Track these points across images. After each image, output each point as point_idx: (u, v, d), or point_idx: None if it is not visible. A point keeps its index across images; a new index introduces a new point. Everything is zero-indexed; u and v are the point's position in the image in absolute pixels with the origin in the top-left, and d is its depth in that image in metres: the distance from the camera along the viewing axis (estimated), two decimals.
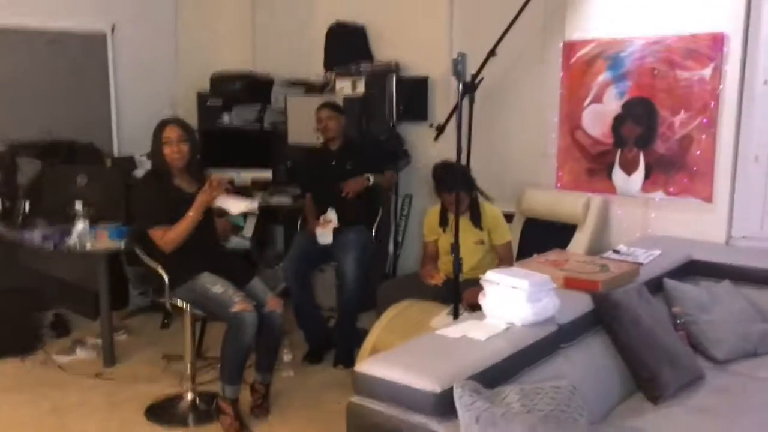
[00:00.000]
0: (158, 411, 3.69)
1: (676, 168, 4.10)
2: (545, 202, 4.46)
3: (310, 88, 5.50)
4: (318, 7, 5.70)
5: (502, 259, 3.85)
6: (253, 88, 5.73)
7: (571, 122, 4.45)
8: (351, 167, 4.43)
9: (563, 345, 2.63)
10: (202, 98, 5.97)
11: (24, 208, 4.51)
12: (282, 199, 5.21)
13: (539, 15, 4.49)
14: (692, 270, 3.59)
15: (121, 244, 4.09)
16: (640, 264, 3.35)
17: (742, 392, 2.83)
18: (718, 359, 3.08)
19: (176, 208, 3.38)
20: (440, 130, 4.61)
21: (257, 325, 3.34)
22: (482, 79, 4.17)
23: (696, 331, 3.14)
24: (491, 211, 3.90)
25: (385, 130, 5.04)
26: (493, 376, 2.23)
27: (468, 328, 2.48)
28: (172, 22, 6.11)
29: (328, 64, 5.40)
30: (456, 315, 3.32)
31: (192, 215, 3.36)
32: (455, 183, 3.51)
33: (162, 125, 3.47)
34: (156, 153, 3.47)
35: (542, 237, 4.31)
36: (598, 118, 4.34)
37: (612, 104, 4.28)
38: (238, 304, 3.31)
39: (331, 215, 4.37)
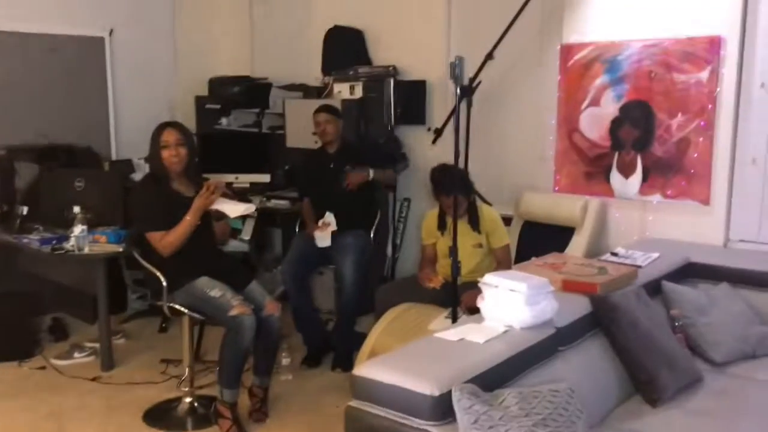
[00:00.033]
0: (156, 415, 3.68)
1: (673, 171, 4.10)
2: (543, 205, 4.46)
3: (308, 92, 5.50)
4: (316, 11, 5.71)
5: (500, 262, 3.85)
6: (251, 92, 5.74)
7: (568, 125, 4.46)
8: (349, 170, 4.43)
9: (561, 348, 2.63)
10: (200, 102, 5.98)
11: (22, 213, 4.51)
12: (280, 203, 5.21)
13: (536, 18, 4.50)
14: (690, 272, 3.59)
15: (119, 248, 4.10)
16: (638, 267, 3.35)
17: (740, 395, 2.83)
18: (717, 362, 3.08)
19: (174, 212, 3.37)
20: (438, 133, 4.62)
21: (255, 328, 3.34)
22: (480, 82, 4.18)
23: (694, 333, 3.14)
24: (489, 214, 3.91)
25: (383, 133, 5.05)
26: (492, 379, 2.23)
27: (466, 331, 2.48)
28: (169, 26, 6.12)
29: (326, 68, 5.41)
30: (454, 318, 3.31)
31: (190, 219, 3.36)
32: (453, 186, 3.52)
33: (160, 129, 3.47)
34: (154, 157, 3.47)
35: (540, 240, 4.30)
36: (596, 121, 4.35)
37: (609, 107, 4.29)
38: (237, 307, 3.31)
39: (330, 218, 4.37)
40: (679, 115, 4.05)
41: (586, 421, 2.27)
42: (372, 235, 4.57)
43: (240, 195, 4.33)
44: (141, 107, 5.76)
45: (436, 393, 2.06)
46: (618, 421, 2.61)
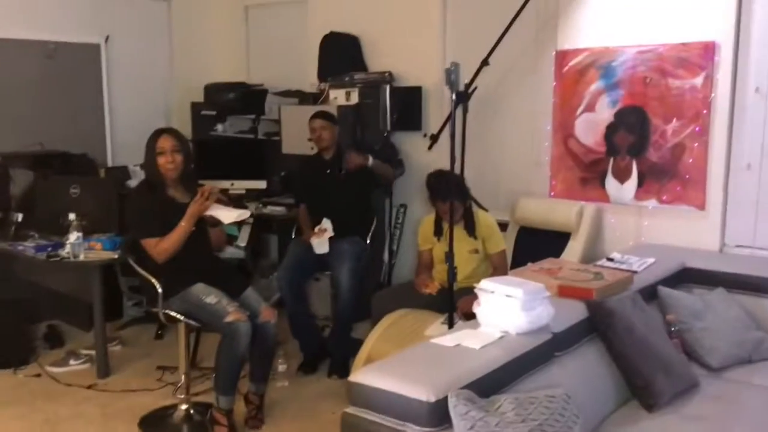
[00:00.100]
0: (152, 422, 3.67)
1: (668, 176, 4.11)
2: (539, 211, 4.46)
3: (304, 98, 5.51)
4: (312, 17, 5.72)
5: (497, 267, 3.85)
6: (247, 99, 5.74)
7: (564, 131, 4.47)
8: (345, 176, 4.43)
9: (558, 353, 2.63)
10: (196, 108, 5.98)
11: (17, 220, 4.50)
12: (276, 209, 5.20)
13: (532, 25, 4.52)
14: (686, 278, 3.60)
15: (114, 255, 4.09)
16: (634, 272, 3.35)
17: (736, 400, 2.83)
18: (713, 367, 3.09)
19: (170, 219, 3.37)
20: (434, 139, 4.61)
21: (251, 335, 3.34)
22: (476, 88, 4.17)
23: (690, 338, 3.15)
24: (485, 219, 3.91)
25: (379, 139, 5.05)
26: (488, 385, 2.23)
27: (462, 337, 2.48)
28: (165, 33, 6.13)
29: (322, 75, 5.42)
30: (451, 324, 3.31)
31: (184, 225, 3.35)
32: (449, 192, 3.52)
33: (156, 135, 3.47)
34: (150, 163, 3.46)
35: (536, 245, 4.31)
36: (591, 126, 4.36)
37: (604, 113, 4.30)
38: (232, 314, 3.31)
39: (326, 224, 4.37)
40: (674, 120, 4.06)
41: (583, 426, 2.27)
42: (368, 241, 4.56)
43: (236, 201, 4.34)
44: (137, 114, 5.77)
45: (433, 399, 2.06)
46: (614, 426, 2.60)
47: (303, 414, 3.77)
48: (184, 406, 3.67)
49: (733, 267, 3.60)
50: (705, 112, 3.96)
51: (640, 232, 4.27)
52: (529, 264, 3.39)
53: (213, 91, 5.85)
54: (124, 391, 4.03)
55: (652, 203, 4.19)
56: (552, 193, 4.56)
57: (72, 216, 4.10)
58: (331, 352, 4.34)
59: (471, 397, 2.09)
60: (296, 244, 4.53)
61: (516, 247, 4.46)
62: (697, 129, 4.00)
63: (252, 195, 5.44)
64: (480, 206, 4.22)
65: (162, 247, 3.36)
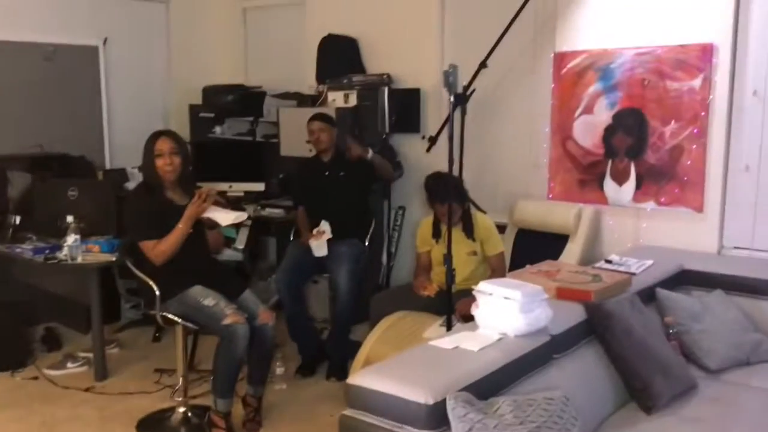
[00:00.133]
0: (150, 425, 3.66)
1: (667, 178, 4.12)
2: (537, 213, 4.46)
3: (302, 100, 5.51)
4: (310, 19, 5.72)
5: (495, 269, 3.85)
6: (245, 101, 5.74)
7: (562, 133, 4.47)
8: (343, 178, 4.43)
9: (556, 355, 2.63)
10: (194, 110, 5.98)
11: (15, 222, 4.49)
12: (274, 211, 5.20)
13: (530, 27, 4.52)
14: (684, 280, 3.60)
15: (112, 258, 4.08)
16: (632, 274, 3.35)
17: (735, 402, 2.83)
18: (711, 369, 3.08)
19: (167, 221, 3.36)
20: (432, 141, 4.63)
21: (249, 337, 3.33)
22: (474, 90, 4.19)
23: (688, 340, 3.15)
24: (484, 222, 3.91)
25: (377, 141, 5.05)
26: (486, 387, 2.23)
27: (461, 339, 2.47)
28: (163, 35, 6.12)
29: (321, 77, 5.42)
30: (449, 326, 3.31)
31: (181, 227, 3.35)
32: (448, 194, 3.52)
33: (154, 137, 3.46)
34: (148, 165, 3.46)
35: (534, 247, 4.31)
36: (589, 128, 4.36)
37: (603, 115, 4.30)
38: (230, 316, 3.30)
39: (325, 227, 4.36)
40: (672, 122, 4.06)
41: (581, 428, 2.26)
42: (367, 244, 4.56)
43: (234, 204, 4.33)
44: (135, 116, 5.77)
45: (431, 401, 2.05)
46: (613, 428, 2.60)
47: (301, 416, 3.77)
48: (181, 409, 3.66)
49: (731, 269, 3.60)
50: (703, 114, 3.96)
51: (638, 234, 4.27)
52: (528, 266, 3.39)
53: (211, 93, 5.85)
54: (122, 394, 4.02)
55: (650, 205, 4.19)
56: (550, 195, 4.56)
57: (70, 218, 4.09)
58: (330, 355, 4.33)
59: (469, 400, 2.09)
60: (295, 246, 4.52)
61: (514, 249, 4.46)
62: (695, 131, 4.00)
63: (250, 197, 5.44)
64: (478, 208, 4.22)
65: (159, 249, 3.36)
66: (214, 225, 3.52)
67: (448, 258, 3.34)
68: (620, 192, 4.29)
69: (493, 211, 4.42)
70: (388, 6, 5.26)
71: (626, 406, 2.76)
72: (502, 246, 3.96)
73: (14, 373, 4.30)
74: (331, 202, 4.42)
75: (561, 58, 4.43)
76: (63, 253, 4.03)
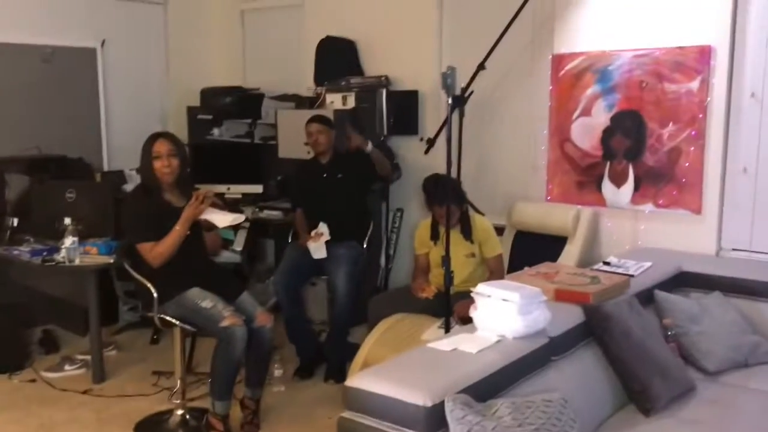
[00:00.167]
0: (148, 427, 3.66)
1: (665, 180, 4.12)
2: (535, 215, 4.46)
3: (300, 102, 5.50)
4: (308, 21, 5.72)
5: (493, 271, 3.85)
6: (243, 103, 5.73)
7: (560, 135, 4.47)
8: (342, 179, 4.43)
9: (554, 357, 2.63)
10: (192, 112, 5.97)
11: (12, 224, 4.49)
12: (273, 213, 5.20)
13: (528, 28, 4.52)
14: (683, 281, 3.60)
15: (110, 260, 4.07)
16: (631, 276, 3.35)
17: (733, 403, 2.83)
18: (709, 371, 3.08)
19: (165, 223, 3.36)
20: (431, 143, 4.63)
21: (247, 339, 3.32)
22: (472, 92, 4.19)
23: (687, 342, 3.14)
24: (482, 223, 3.91)
25: (375, 143, 5.04)
26: (485, 389, 2.22)
27: (459, 341, 2.47)
28: (161, 37, 6.12)
29: (319, 79, 5.42)
30: (447, 328, 3.31)
31: (179, 229, 3.34)
32: (446, 196, 3.51)
33: (152, 139, 3.46)
34: (146, 167, 3.45)
35: (533, 249, 4.31)
36: (587, 130, 4.36)
37: (601, 117, 4.30)
38: (228, 318, 3.30)
39: (323, 228, 4.36)
40: (670, 124, 4.06)
41: (580, 430, 2.26)
42: (365, 246, 4.56)
43: (232, 206, 4.32)
44: (133, 118, 5.76)
45: (429, 404, 2.05)
46: (611, 430, 2.60)
47: (299, 419, 3.76)
48: (179, 412, 3.66)
49: (729, 271, 3.60)
50: (701, 116, 3.96)
51: (636, 236, 4.27)
52: (526, 268, 3.39)
53: (209, 95, 5.85)
54: (120, 396, 4.02)
55: (648, 207, 4.19)
56: (549, 197, 4.56)
57: (67, 220, 4.08)
58: (328, 357, 4.33)
59: (468, 402, 2.08)
60: (293, 248, 4.52)
61: (513, 251, 4.46)
62: (693, 133, 4.00)
63: (248, 199, 5.43)
64: (477, 210, 4.22)
65: (157, 251, 3.35)
66: (211, 227, 3.52)
67: (446, 260, 3.34)
68: (618, 194, 4.29)
69: (492, 212, 4.42)
70: (387, 8, 5.26)
71: (625, 408, 2.75)
72: (501, 248, 3.96)
73: (12, 376, 4.29)
74: (329, 204, 4.42)
75: (559, 60, 4.43)
76: (61, 255, 4.03)
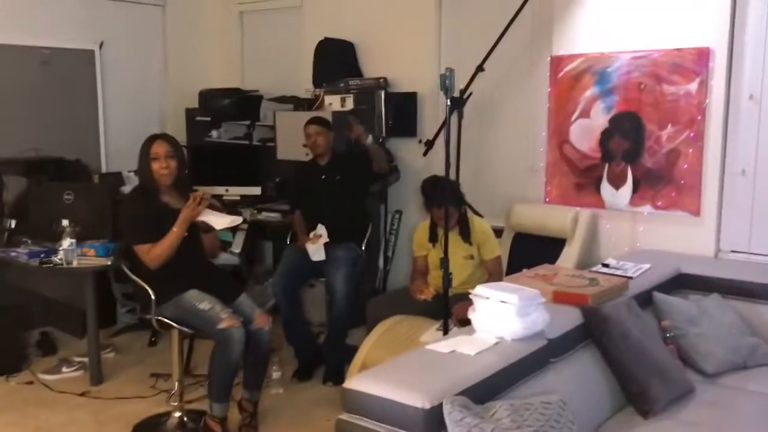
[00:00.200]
0: (146, 430, 3.65)
1: (663, 182, 4.11)
2: (534, 217, 4.46)
3: (298, 104, 5.50)
4: (307, 23, 5.72)
5: (492, 273, 3.84)
6: (241, 105, 5.73)
7: (559, 137, 4.47)
8: (340, 181, 4.43)
9: (553, 359, 2.62)
10: (190, 114, 5.97)
11: (10, 226, 4.48)
12: (271, 215, 5.19)
13: (527, 30, 4.53)
14: (681, 283, 3.60)
15: (107, 262, 4.07)
16: (629, 278, 3.35)
17: (732, 405, 2.83)
18: (708, 372, 3.08)
19: (163, 225, 3.35)
20: (429, 145, 4.62)
21: (245, 341, 3.32)
22: (470, 94, 4.19)
23: (685, 344, 3.14)
24: (480, 225, 3.91)
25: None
26: (483, 392, 2.22)
27: (457, 343, 2.47)
28: (160, 39, 6.12)
29: (317, 81, 5.42)
30: (446, 330, 3.30)
31: (176, 231, 3.34)
32: (444, 198, 3.51)
33: (150, 141, 3.46)
34: (143, 169, 3.45)
35: (531, 251, 4.31)
36: (586, 132, 4.36)
37: (599, 119, 4.30)
38: (226, 320, 3.29)
39: (321, 230, 4.35)
40: (669, 126, 4.06)
41: None
42: (363, 248, 4.55)
43: (230, 207, 4.32)
44: (131, 120, 5.76)
45: (427, 406, 2.04)
46: None
47: (297, 421, 3.75)
48: (177, 414, 3.65)
49: (728, 273, 3.59)
50: (699, 118, 3.96)
51: (635, 237, 4.27)
52: (525, 270, 3.39)
53: (208, 97, 5.84)
54: (118, 399, 4.01)
55: (647, 209, 4.19)
56: (547, 199, 4.56)
57: (65, 222, 4.08)
58: (326, 359, 4.32)
59: (466, 404, 2.08)
60: (291, 250, 4.51)
61: (511, 253, 4.46)
62: (691, 135, 4.00)
63: (247, 201, 5.42)
64: (475, 212, 4.21)
65: (154, 253, 3.35)
66: (209, 229, 3.51)
67: (444, 262, 3.34)
68: (617, 196, 4.29)
69: (490, 214, 4.41)
70: (385, 10, 5.26)
71: (623, 410, 2.75)
72: (499, 250, 3.96)
73: (9, 378, 4.28)
74: (327, 205, 4.41)
75: (558, 62, 4.43)
76: (58, 257, 4.02)
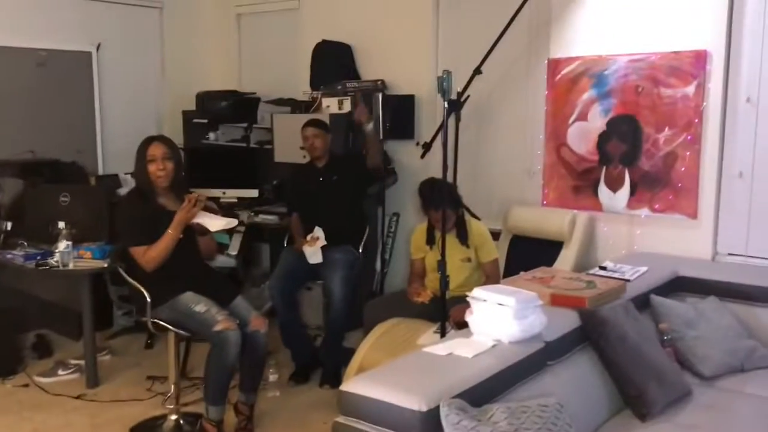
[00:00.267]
0: None
1: (661, 185, 4.11)
2: (531, 220, 4.46)
3: (296, 106, 5.50)
4: (304, 25, 5.72)
5: (489, 276, 3.84)
6: (239, 107, 5.72)
7: (556, 139, 4.47)
8: (338, 184, 4.42)
9: (550, 362, 2.62)
10: (187, 116, 5.97)
11: (6, 228, 4.46)
12: (268, 218, 5.18)
13: (524, 33, 4.53)
14: (678, 286, 3.60)
15: (104, 264, 4.06)
16: (627, 280, 3.35)
17: (729, 408, 2.82)
18: (705, 375, 3.08)
19: (159, 227, 3.34)
20: (427, 147, 4.62)
21: (240, 344, 3.31)
22: (468, 96, 4.19)
23: (683, 347, 3.14)
24: (478, 228, 3.90)
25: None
26: (480, 394, 2.21)
27: (455, 346, 2.46)
28: (157, 41, 6.12)
29: (315, 83, 5.41)
30: (443, 333, 3.30)
31: (171, 233, 3.33)
32: (442, 200, 3.51)
33: (147, 143, 3.45)
34: (140, 171, 3.44)
35: (529, 254, 4.30)
36: (584, 135, 4.36)
37: (597, 121, 4.30)
38: (221, 322, 3.28)
39: (319, 233, 4.35)
40: (666, 129, 4.06)
41: None
42: (361, 250, 4.54)
43: (227, 210, 4.31)
44: (128, 122, 5.75)
45: (424, 408, 2.04)
46: None
47: (294, 424, 3.74)
48: (173, 417, 3.64)
49: (725, 275, 3.59)
50: (697, 120, 3.96)
51: (632, 240, 4.26)
52: (522, 272, 3.38)
53: (205, 99, 5.83)
54: (114, 401, 3.99)
55: (644, 212, 4.19)
56: (544, 202, 4.55)
57: (61, 224, 4.07)
58: (323, 362, 4.31)
59: (463, 407, 2.07)
60: (288, 252, 4.51)
61: (508, 255, 4.45)
62: (689, 138, 4.00)
63: (244, 203, 5.41)
64: (472, 215, 4.21)
65: (150, 255, 3.34)
66: (204, 231, 3.49)
67: (442, 264, 3.33)
68: (614, 199, 4.29)
69: (488, 217, 4.41)
70: (383, 12, 5.27)
71: (621, 413, 2.75)
72: (497, 252, 3.95)
73: (5, 381, 4.27)
74: (325, 208, 4.40)
75: (555, 65, 4.43)
76: (54, 260, 4.01)
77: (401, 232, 5.23)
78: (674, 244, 4.07)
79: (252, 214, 5.25)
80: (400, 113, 5.08)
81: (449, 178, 3.52)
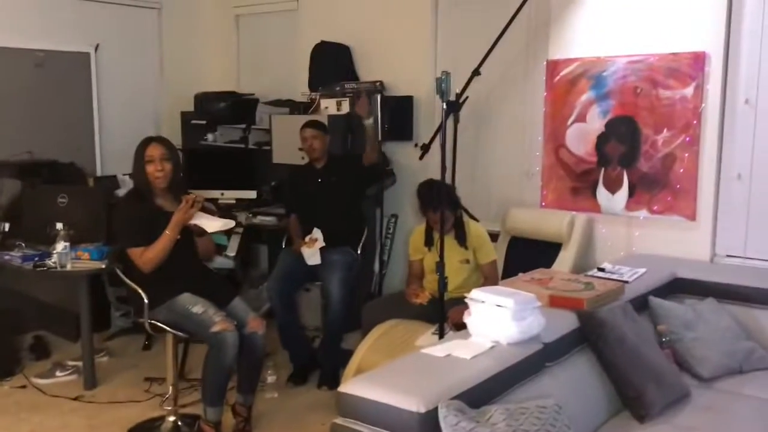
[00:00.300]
0: None
1: (659, 186, 4.11)
2: (530, 221, 4.45)
3: (294, 107, 5.50)
4: (303, 27, 5.72)
5: (487, 277, 3.84)
6: (237, 108, 5.72)
7: (555, 141, 4.47)
8: (336, 185, 4.42)
9: (549, 363, 2.61)
10: (186, 118, 5.96)
11: (4, 229, 4.45)
12: (266, 219, 5.18)
13: (523, 34, 4.53)
14: (677, 288, 3.60)
15: (102, 265, 4.05)
16: (625, 282, 3.34)
17: (727, 410, 2.82)
18: (704, 377, 3.08)
19: (156, 228, 3.33)
20: (425, 149, 4.60)
21: (238, 345, 3.30)
22: (467, 97, 4.18)
23: (681, 348, 3.14)
24: (476, 229, 3.90)
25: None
26: (479, 396, 2.21)
27: (453, 347, 2.46)
28: (156, 42, 6.11)
29: (313, 84, 5.41)
30: (441, 334, 3.29)
31: (168, 234, 3.32)
32: (440, 202, 3.51)
33: (145, 143, 3.44)
34: (138, 172, 3.43)
35: (527, 255, 4.30)
36: (582, 136, 4.36)
37: (595, 123, 4.30)
38: (219, 323, 3.27)
39: (317, 234, 4.35)
40: (665, 130, 4.07)
41: None
42: (359, 252, 4.54)
43: (226, 211, 4.31)
44: (127, 123, 5.75)
45: (423, 410, 2.04)
46: None
47: (292, 425, 3.74)
48: (171, 418, 3.63)
49: (723, 277, 3.59)
50: (695, 122, 3.96)
51: (631, 242, 4.26)
52: (520, 274, 3.38)
53: (203, 100, 5.83)
54: (111, 403, 3.99)
55: (643, 213, 4.19)
56: (543, 203, 4.55)
57: (59, 225, 4.05)
58: (321, 363, 4.31)
59: (461, 408, 2.07)
60: (287, 254, 4.50)
61: (507, 257, 4.45)
62: (687, 139, 4.00)
63: (242, 205, 5.41)
64: (471, 216, 4.21)
65: (147, 256, 3.33)
66: (201, 232, 3.49)
67: (440, 266, 3.32)
68: (613, 200, 4.28)
69: (486, 218, 4.41)
70: (381, 13, 5.27)
71: (619, 414, 2.75)
72: (495, 254, 3.95)
73: (2, 382, 4.26)
74: (323, 209, 4.40)
75: (554, 66, 4.43)
76: (52, 261, 4.00)
77: (400, 233, 5.23)
78: (673, 246, 4.06)
79: (250, 215, 5.24)
80: (399, 114, 5.08)
81: (448, 180, 3.51)
